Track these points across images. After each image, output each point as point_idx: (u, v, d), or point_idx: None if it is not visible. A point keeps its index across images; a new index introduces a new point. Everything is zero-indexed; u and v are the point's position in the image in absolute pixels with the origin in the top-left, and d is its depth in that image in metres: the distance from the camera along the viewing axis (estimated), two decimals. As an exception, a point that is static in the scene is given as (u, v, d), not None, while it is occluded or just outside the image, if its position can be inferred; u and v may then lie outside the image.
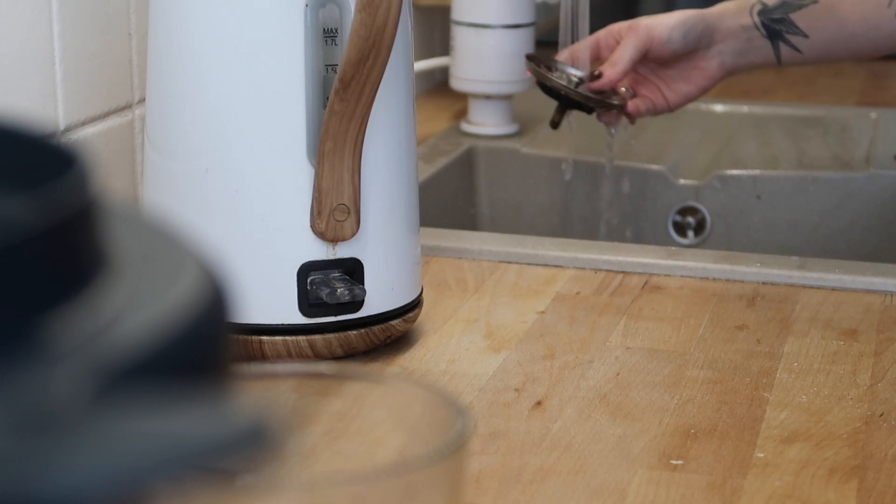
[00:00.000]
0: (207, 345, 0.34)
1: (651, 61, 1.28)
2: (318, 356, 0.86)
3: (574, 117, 1.32)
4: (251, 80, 0.83)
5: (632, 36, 1.26)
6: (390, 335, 0.89)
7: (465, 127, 1.53)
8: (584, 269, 1.07)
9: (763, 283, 1.04)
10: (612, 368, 0.88)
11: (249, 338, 0.85)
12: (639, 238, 1.45)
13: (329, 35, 0.84)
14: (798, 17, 1.24)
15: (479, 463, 0.74)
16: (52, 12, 0.93)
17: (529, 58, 1.30)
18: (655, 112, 1.29)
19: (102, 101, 1.00)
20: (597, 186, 1.44)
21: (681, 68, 1.28)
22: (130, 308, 0.33)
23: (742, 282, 1.04)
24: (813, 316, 0.98)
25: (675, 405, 0.82)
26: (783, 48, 1.25)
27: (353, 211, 0.85)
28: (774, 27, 1.25)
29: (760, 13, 1.26)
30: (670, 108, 1.29)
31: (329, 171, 0.83)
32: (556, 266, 1.08)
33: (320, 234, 0.85)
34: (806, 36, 1.24)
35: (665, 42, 1.26)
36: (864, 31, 1.24)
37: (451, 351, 0.90)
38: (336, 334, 0.86)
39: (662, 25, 1.26)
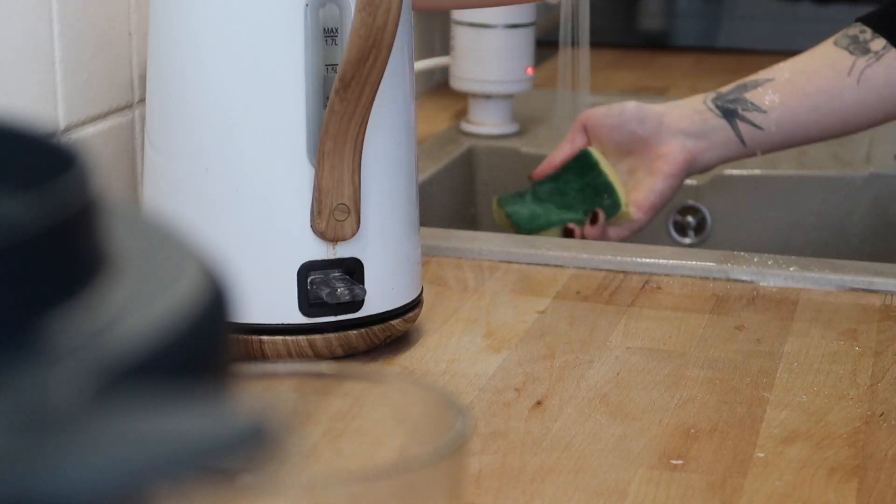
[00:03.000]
0: (207, 345, 0.34)
1: (612, 154, 1.24)
2: (318, 356, 0.86)
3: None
4: (251, 80, 0.83)
5: (571, 129, 1.25)
6: (390, 335, 0.89)
7: (465, 127, 1.53)
8: (584, 269, 1.07)
9: (763, 283, 1.04)
10: (612, 368, 0.88)
11: (249, 338, 0.85)
12: (639, 238, 1.45)
13: (329, 35, 0.84)
14: (754, 96, 1.21)
15: (479, 463, 0.74)
16: (52, 12, 0.93)
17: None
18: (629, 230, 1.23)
19: (102, 101, 1.00)
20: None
21: (643, 159, 1.23)
22: (130, 308, 0.33)
23: (742, 282, 1.04)
24: (813, 316, 0.98)
25: (675, 405, 0.82)
26: (742, 126, 1.21)
27: (353, 211, 0.85)
28: (728, 106, 1.21)
29: (714, 99, 1.23)
30: (644, 213, 1.22)
31: (329, 170, 0.83)
32: (556, 266, 1.08)
33: (320, 234, 0.85)
34: (763, 111, 1.20)
35: (602, 116, 1.23)
36: (826, 101, 1.20)
37: (451, 351, 0.90)
38: (336, 334, 0.86)
39: (606, 113, 1.23)
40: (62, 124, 0.96)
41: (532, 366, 0.88)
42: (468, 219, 1.49)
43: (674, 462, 0.75)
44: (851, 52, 1.20)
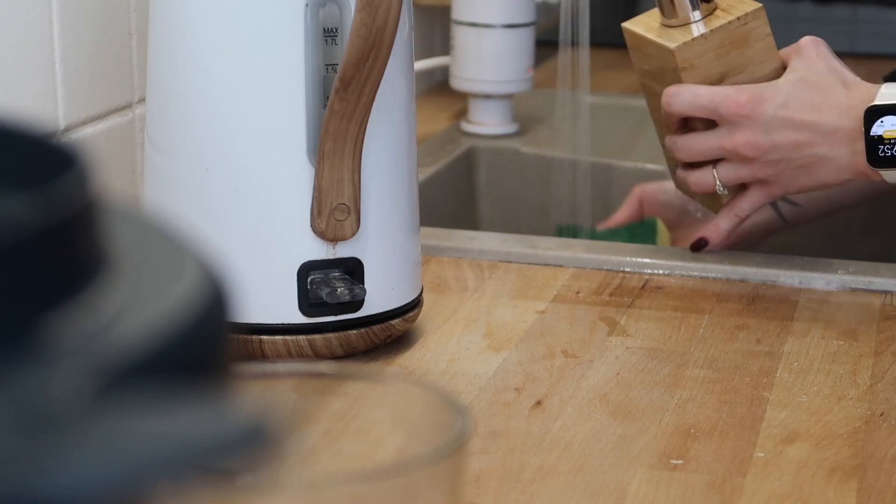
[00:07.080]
0: (207, 345, 0.34)
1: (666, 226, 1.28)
2: (318, 356, 0.86)
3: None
4: (251, 80, 0.83)
5: (629, 199, 1.29)
6: (390, 335, 0.89)
7: (465, 127, 1.53)
8: (584, 269, 1.07)
9: (763, 283, 1.04)
10: (612, 368, 0.88)
11: (249, 338, 0.85)
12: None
13: (329, 35, 0.84)
14: None
15: (479, 463, 0.74)
16: (52, 12, 0.93)
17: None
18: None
19: (102, 101, 1.00)
20: (597, 186, 1.44)
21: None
22: (130, 308, 0.33)
23: (742, 282, 1.04)
24: (813, 316, 0.98)
25: (675, 405, 0.82)
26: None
27: (353, 210, 0.85)
28: None
29: None
30: None
31: (329, 170, 0.83)
32: (556, 266, 1.08)
33: (320, 234, 0.85)
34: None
35: (656, 192, 1.27)
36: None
37: (451, 350, 0.90)
38: (336, 334, 0.86)
39: (660, 190, 1.26)
40: (62, 124, 0.96)
41: (532, 366, 0.88)
42: (468, 219, 1.49)
43: (674, 462, 0.75)
44: None
